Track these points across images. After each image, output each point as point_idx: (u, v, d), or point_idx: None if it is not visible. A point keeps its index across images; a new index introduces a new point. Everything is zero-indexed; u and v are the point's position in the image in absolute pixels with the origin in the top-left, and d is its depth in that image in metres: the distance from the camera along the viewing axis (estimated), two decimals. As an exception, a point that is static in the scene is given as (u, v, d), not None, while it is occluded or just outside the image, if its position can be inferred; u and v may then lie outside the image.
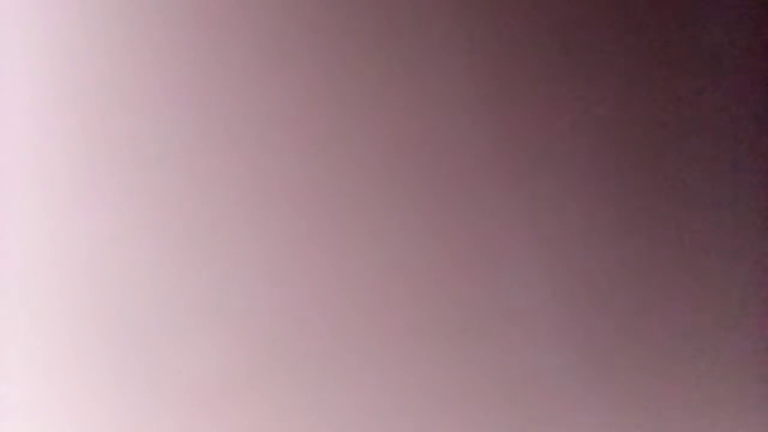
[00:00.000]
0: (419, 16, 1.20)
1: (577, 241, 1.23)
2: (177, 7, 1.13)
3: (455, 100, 1.20)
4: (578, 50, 1.24)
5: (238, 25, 1.15)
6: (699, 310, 1.26)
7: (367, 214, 1.17)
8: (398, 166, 1.18)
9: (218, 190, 1.13)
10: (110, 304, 1.10)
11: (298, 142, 1.16)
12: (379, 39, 1.19)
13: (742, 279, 1.27)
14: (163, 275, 1.11)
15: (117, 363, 1.10)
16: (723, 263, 1.27)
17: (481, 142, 1.21)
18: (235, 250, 1.14)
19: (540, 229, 1.22)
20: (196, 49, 1.14)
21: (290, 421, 1.14)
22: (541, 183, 1.22)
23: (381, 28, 1.19)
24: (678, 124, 1.27)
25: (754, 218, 1.28)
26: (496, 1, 1.23)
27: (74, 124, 1.11)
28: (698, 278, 1.26)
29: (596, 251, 1.23)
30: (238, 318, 1.13)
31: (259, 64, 1.15)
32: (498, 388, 1.20)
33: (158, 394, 1.11)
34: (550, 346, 1.21)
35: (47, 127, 1.10)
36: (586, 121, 1.24)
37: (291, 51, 1.16)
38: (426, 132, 1.19)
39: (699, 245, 1.27)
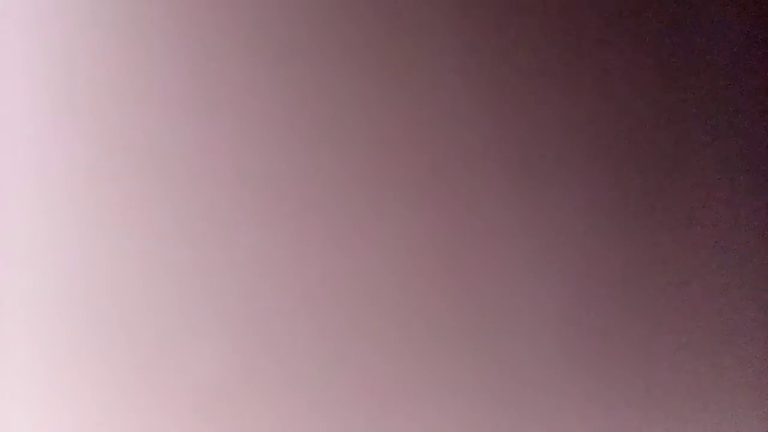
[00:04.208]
0: (418, 17, 1.20)
1: (574, 243, 1.23)
2: (177, 9, 1.14)
3: (455, 102, 1.20)
4: (578, 53, 1.24)
5: (238, 27, 1.15)
6: (697, 311, 1.26)
7: (364, 217, 1.17)
8: (397, 170, 1.18)
9: (217, 192, 1.14)
10: (109, 305, 1.11)
11: (295, 145, 1.16)
12: (379, 42, 1.19)
13: (741, 281, 1.27)
14: (161, 277, 1.12)
15: (116, 364, 1.10)
16: (722, 264, 1.27)
17: (480, 145, 1.21)
18: (234, 251, 1.14)
19: (538, 231, 1.22)
20: (195, 52, 1.14)
21: (288, 421, 1.14)
22: (539, 186, 1.22)
23: (380, 30, 1.19)
24: (677, 125, 1.27)
25: (754, 220, 1.28)
26: (497, 2, 1.22)
27: (74, 126, 1.11)
28: (696, 280, 1.26)
29: (594, 253, 1.23)
30: (236, 319, 1.14)
31: (256, 66, 1.15)
32: (496, 389, 1.20)
33: (157, 394, 1.11)
34: (547, 347, 1.21)
35: (47, 130, 1.10)
36: (584, 124, 1.24)
37: (288, 54, 1.16)
38: (424, 134, 1.20)
39: (698, 247, 1.27)
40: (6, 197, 1.09)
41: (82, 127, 1.11)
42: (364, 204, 1.18)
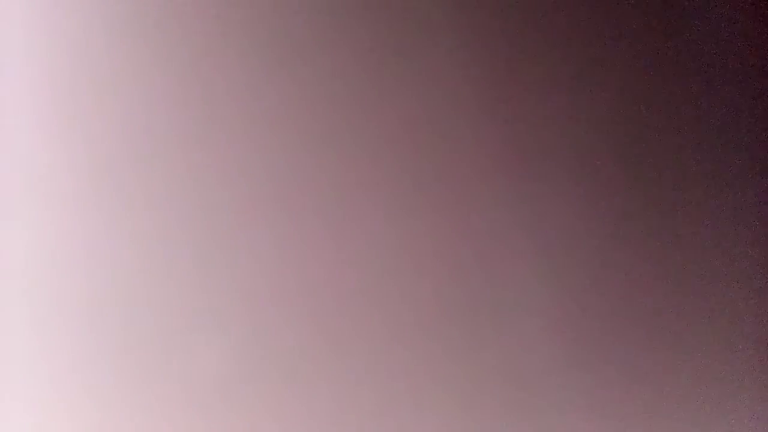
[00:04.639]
0: (421, 17, 1.20)
1: (574, 244, 1.23)
2: (177, 9, 1.14)
3: (457, 103, 1.20)
4: (578, 53, 1.24)
5: (241, 27, 1.15)
6: (698, 313, 1.26)
7: (365, 217, 1.17)
8: (399, 170, 1.18)
9: (218, 192, 1.14)
10: (111, 305, 1.11)
11: (297, 145, 1.16)
12: (380, 42, 1.19)
13: (743, 282, 1.27)
14: (162, 276, 1.12)
15: (117, 363, 1.11)
16: (721, 266, 1.27)
17: (479, 144, 1.21)
18: (235, 251, 1.14)
19: (540, 232, 1.22)
20: (198, 51, 1.14)
21: (290, 420, 1.15)
22: (539, 186, 1.22)
23: (382, 30, 1.19)
24: (679, 127, 1.27)
25: (753, 221, 1.28)
26: (497, 3, 1.22)
27: (76, 126, 1.11)
28: (697, 280, 1.26)
29: (595, 255, 1.24)
30: (237, 320, 1.14)
31: (259, 66, 1.15)
32: (497, 391, 1.20)
33: (158, 394, 1.11)
34: (546, 348, 1.21)
35: (47, 129, 1.10)
36: (587, 125, 1.24)
37: (288, 53, 1.16)
38: (426, 135, 1.20)
39: (699, 248, 1.27)
40: (8, 196, 1.09)
41: (85, 127, 1.11)
42: (365, 204, 1.18)
